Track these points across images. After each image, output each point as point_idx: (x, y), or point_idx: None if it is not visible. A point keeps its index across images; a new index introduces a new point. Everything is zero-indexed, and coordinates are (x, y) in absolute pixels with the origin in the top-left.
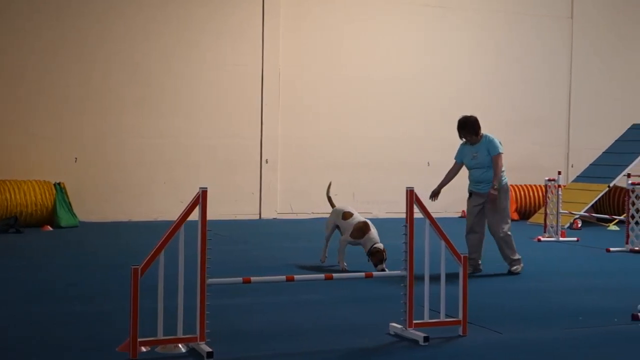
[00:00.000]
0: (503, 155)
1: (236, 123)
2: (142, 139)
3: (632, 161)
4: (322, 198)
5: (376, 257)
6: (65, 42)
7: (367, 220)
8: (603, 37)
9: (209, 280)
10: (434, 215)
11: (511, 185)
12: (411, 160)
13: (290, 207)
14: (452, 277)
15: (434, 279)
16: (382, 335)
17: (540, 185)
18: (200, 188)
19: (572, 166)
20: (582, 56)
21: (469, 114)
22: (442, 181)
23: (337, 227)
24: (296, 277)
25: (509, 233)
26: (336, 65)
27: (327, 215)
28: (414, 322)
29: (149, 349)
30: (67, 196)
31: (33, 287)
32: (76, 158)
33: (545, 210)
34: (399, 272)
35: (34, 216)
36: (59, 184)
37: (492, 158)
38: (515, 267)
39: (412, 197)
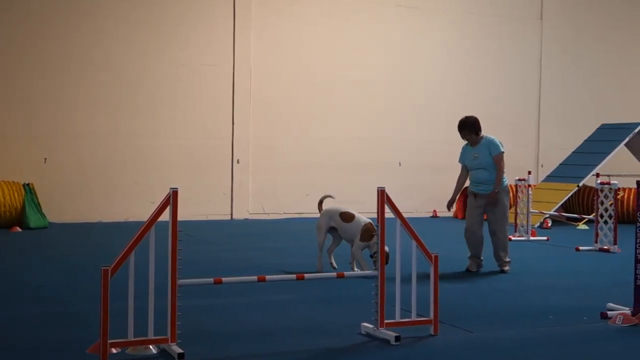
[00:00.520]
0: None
1: (207, 123)
2: (112, 139)
3: (601, 161)
4: (293, 198)
5: (386, 259)
6: (35, 42)
7: (370, 220)
8: (572, 38)
9: (180, 281)
10: (405, 216)
11: None
12: (383, 160)
13: (262, 207)
14: (423, 277)
15: (406, 279)
16: (354, 335)
17: (510, 185)
18: (171, 188)
19: (542, 166)
20: (552, 57)
21: (469, 114)
22: (456, 188)
23: (331, 229)
24: (267, 277)
25: (507, 234)
26: (308, 66)
27: (299, 215)
28: (386, 321)
29: (120, 350)
30: (37, 197)
31: (1, 289)
32: (45, 158)
33: (516, 209)
34: (371, 272)
35: (2, 217)
36: (28, 184)
37: (494, 158)
38: (507, 268)
39: (383, 197)
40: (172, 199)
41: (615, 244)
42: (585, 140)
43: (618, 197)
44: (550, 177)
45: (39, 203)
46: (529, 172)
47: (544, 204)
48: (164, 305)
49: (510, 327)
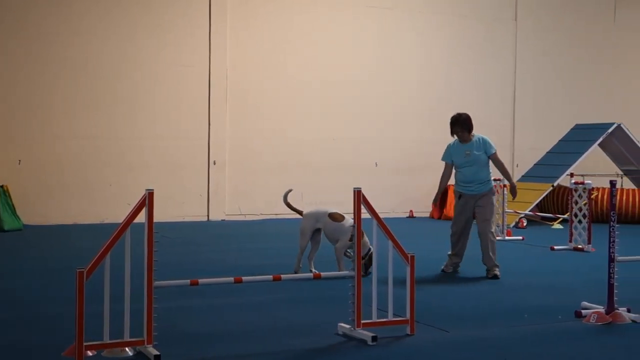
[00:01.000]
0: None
1: (184, 124)
2: (87, 141)
3: (575, 161)
4: (270, 199)
5: (372, 262)
6: (10, 42)
7: None
8: (547, 38)
9: (156, 283)
10: (381, 216)
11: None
12: (359, 161)
13: (239, 208)
14: (400, 277)
15: (383, 279)
16: (331, 336)
17: None
18: (146, 190)
19: (517, 166)
20: (526, 58)
21: (461, 112)
22: (440, 186)
23: (317, 231)
24: (244, 278)
25: (495, 236)
26: (284, 66)
27: (275, 217)
28: (363, 322)
29: (95, 353)
30: (11, 199)
31: None
32: (20, 160)
33: None
34: (347, 272)
35: None
36: (2, 186)
37: (492, 157)
38: (497, 271)
39: (359, 198)
40: (147, 200)
41: (589, 243)
42: (560, 141)
43: (592, 196)
44: (525, 177)
45: (13, 205)
46: None
47: (519, 204)
48: (140, 307)
49: (486, 326)
